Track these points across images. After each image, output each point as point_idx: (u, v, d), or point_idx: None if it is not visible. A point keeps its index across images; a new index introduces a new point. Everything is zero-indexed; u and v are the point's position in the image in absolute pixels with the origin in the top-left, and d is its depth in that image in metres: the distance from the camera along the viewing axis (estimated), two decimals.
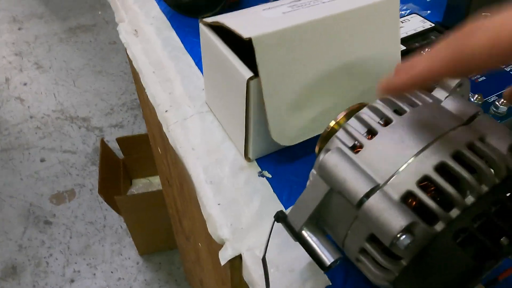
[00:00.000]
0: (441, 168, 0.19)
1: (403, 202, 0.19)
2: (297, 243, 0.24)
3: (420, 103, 0.22)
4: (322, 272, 0.26)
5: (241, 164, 0.32)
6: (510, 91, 0.26)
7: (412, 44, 0.40)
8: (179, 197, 0.51)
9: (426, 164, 0.19)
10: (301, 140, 0.29)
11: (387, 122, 0.21)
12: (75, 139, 1.35)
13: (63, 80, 1.57)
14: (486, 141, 0.20)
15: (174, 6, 0.48)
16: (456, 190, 0.19)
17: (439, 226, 0.19)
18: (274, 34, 0.25)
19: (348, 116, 0.24)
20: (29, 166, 1.26)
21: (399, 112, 0.22)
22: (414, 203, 0.19)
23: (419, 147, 0.20)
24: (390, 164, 0.20)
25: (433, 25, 0.43)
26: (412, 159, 0.19)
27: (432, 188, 0.19)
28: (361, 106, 0.24)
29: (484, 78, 0.36)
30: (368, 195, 0.19)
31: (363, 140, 0.21)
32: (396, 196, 0.19)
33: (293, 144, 0.29)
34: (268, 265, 0.26)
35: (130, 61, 0.46)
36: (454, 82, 0.23)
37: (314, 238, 0.23)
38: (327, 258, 0.22)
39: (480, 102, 0.32)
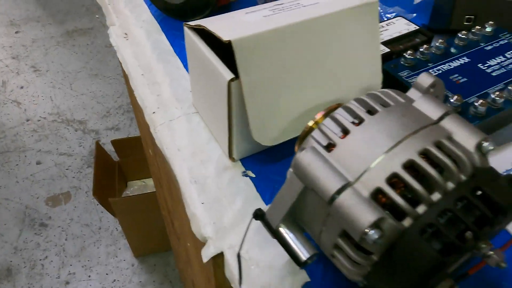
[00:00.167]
0: (410, 166, 0.20)
1: (373, 199, 0.20)
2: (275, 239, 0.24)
3: (392, 103, 0.22)
4: (301, 268, 0.27)
5: (225, 164, 0.33)
6: None
7: (397, 46, 0.41)
8: (169, 198, 0.51)
9: (395, 161, 0.20)
10: (283, 141, 0.30)
11: (360, 121, 0.22)
12: (71, 142, 1.35)
13: (59, 83, 1.58)
14: (454, 139, 0.21)
15: (164, 10, 0.48)
16: (422, 187, 0.19)
17: (406, 222, 0.19)
18: (253, 37, 0.26)
19: (325, 116, 0.24)
20: (25, 168, 1.27)
21: (371, 112, 0.22)
22: (383, 199, 0.20)
23: (389, 145, 0.20)
24: (360, 162, 0.20)
25: (417, 27, 0.44)
26: (382, 157, 0.20)
27: (402, 185, 0.20)
28: (338, 106, 0.24)
29: (466, 79, 0.37)
30: (339, 192, 0.20)
31: (336, 139, 0.22)
32: (366, 193, 0.20)
33: (274, 144, 0.30)
34: (248, 262, 0.27)
35: (121, 64, 0.47)
36: (427, 83, 0.24)
37: (291, 235, 0.24)
38: (303, 254, 0.23)
39: (459, 103, 0.33)
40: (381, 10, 0.49)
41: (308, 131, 0.25)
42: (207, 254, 0.28)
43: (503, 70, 0.38)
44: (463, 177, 0.20)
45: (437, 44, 0.39)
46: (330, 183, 0.20)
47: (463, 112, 0.33)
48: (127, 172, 1.08)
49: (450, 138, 0.21)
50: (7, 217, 1.14)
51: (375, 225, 0.19)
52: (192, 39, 0.30)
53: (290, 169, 0.23)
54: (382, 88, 0.30)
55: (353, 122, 0.22)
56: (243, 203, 0.30)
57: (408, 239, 0.19)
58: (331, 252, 0.22)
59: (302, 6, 0.30)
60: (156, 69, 0.42)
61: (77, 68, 1.64)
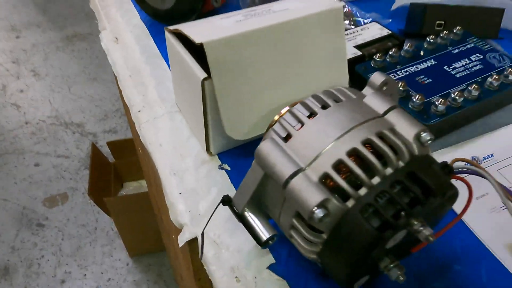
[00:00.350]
0: (354, 153, 0.22)
1: (321, 183, 0.22)
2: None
3: (344, 99, 0.25)
4: (268, 252, 0.29)
5: (203, 158, 0.35)
6: None
7: (369, 50, 0.44)
8: (156, 193, 0.54)
9: (341, 149, 0.22)
10: (254, 135, 0.32)
11: (314, 115, 0.24)
12: (69, 144, 1.38)
13: (58, 87, 1.61)
14: (396, 130, 0.23)
15: (153, 16, 0.51)
16: (363, 172, 0.22)
17: (350, 203, 0.22)
18: (223, 39, 0.29)
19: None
20: (24, 170, 1.29)
21: (325, 106, 0.25)
22: (331, 183, 0.23)
23: (336, 135, 0.23)
24: (312, 150, 0.23)
25: (390, 32, 0.46)
26: (330, 145, 0.23)
27: (347, 171, 0.23)
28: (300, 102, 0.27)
29: (431, 80, 0.39)
30: (292, 177, 0.22)
31: (293, 131, 0.24)
32: (315, 177, 0.22)
33: (245, 138, 0.32)
34: (220, 246, 0.29)
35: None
36: (379, 81, 0.27)
37: (254, 218, 0.26)
38: (264, 234, 0.25)
39: (420, 101, 0.35)
40: (359, 16, 0.52)
41: (272, 125, 0.27)
42: (182, 239, 0.30)
43: (467, 72, 0.40)
44: (401, 164, 0.22)
45: (406, 47, 0.42)
46: (284, 169, 0.23)
47: (426, 110, 0.36)
48: (123, 173, 1.11)
49: (392, 129, 0.23)
50: (5, 218, 1.17)
51: (321, 205, 0.21)
52: (171, 42, 0.33)
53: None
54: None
55: (308, 116, 0.25)
56: (218, 193, 0.32)
57: (350, 218, 0.21)
58: (289, 233, 0.25)
59: (272, 12, 0.32)
60: (143, 71, 0.44)
61: (76, 72, 1.67)
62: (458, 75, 0.40)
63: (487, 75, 0.39)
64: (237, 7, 0.51)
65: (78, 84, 1.61)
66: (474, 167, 0.23)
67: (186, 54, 0.31)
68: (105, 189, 1.00)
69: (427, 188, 0.21)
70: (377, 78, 0.27)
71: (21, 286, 1.02)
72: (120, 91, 0.52)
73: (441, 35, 0.44)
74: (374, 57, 0.41)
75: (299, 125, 0.24)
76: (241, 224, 0.28)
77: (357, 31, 0.46)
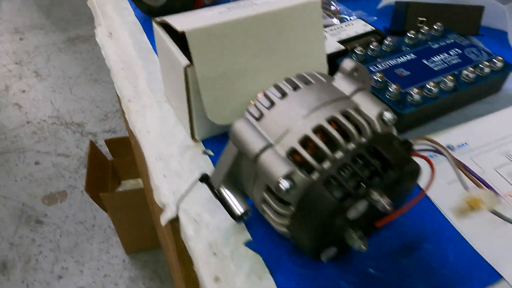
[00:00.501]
0: (320, 130, 0.24)
1: (289, 157, 0.24)
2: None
3: (314, 82, 0.27)
4: (245, 229, 0.30)
5: (188, 144, 0.37)
6: None
7: (352, 45, 0.45)
8: (147, 183, 0.55)
9: (307, 126, 0.24)
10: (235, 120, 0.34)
11: (285, 96, 0.26)
12: (69, 144, 1.40)
13: (60, 87, 1.63)
14: (360, 110, 0.25)
15: (147, 12, 0.53)
16: (327, 147, 0.23)
17: (315, 176, 0.23)
18: (204, 28, 0.30)
19: None
20: (24, 168, 1.31)
21: (296, 88, 0.26)
22: (298, 158, 0.24)
23: (304, 113, 0.24)
24: (281, 128, 0.24)
25: (373, 28, 0.48)
26: (297, 123, 0.24)
27: (313, 146, 0.24)
28: None
29: (409, 73, 0.41)
30: (261, 151, 0.24)
31: (265, 110, 0.26)
32: (283, 152, 0.24)
33: (226, 123, 0.34)
34: (200, 224, 0.31)
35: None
36: (349, 67, 0.28)
37: (230, 194, 0.28)
38: (238, 209, 0.27)
39: (397, 91, 0.37)
40: (346, 14, 0.54)
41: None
42: (164, 218, 0.32)
43: (445, 65, 0.42)
44: (363, 140, 0.24)
45: (387, 42, 0.44)
46: (255, 145, 0.24)
47: (402, 100, 0.37)
48: (120, 171, 1.12)
49: (357, 109, 0.25)
50: (4, 214, 1.18)
51: (287, 176, 0.23)
52: (158, 32, 0.35)
53: None
54: None
55: (280, 97, 0.26)
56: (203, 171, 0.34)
57: (314, 189, 0.23)
58: (262, 208, 0.26)
59: (254, 5, 0.34)
60: (135, 64, 0.46)
61: (77, 73, 1.70)
62: (436, 68, 0.41)
63: (464, 68, 0.40)
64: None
65: (79, 85, 1.64)
66: (432, 143, 0.24)
67: (171, 43, 0.33)
68: (102, 186, 1.01)
69: (386, 161, 0.23)
70: (347, 63, 0.28)
71: (19, 281, 1.04)
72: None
73: (422, 31, 0.46)
74: (355, 50, 0.42)
75: (271, 105, 0.26)
76: (220, 204, 0.29)
77: (341, 27, 0.48)
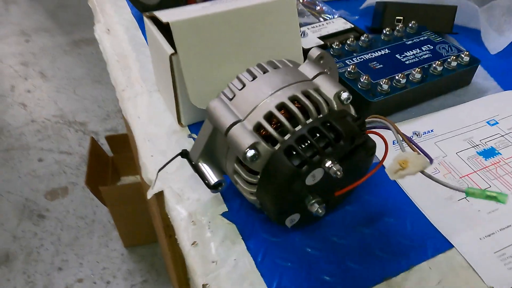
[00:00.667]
0: (283, 107, 0.27)
1: (255, 131, 0.27)
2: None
3: (281, 66, 0.30)
4: (222, 202, 0.33)
5: (175, 128, 0.40)
6: None
7: (331, 40, 0.48)
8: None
9: (272, 104, 0.27)
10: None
11: (255, 78, 0.29)
12: (72, 142, 1.44)
13: (64, 88, 1.67)
14: (320, 90, 0.28)
15: (142, 10, 0.57)
16: (288, 121, 0.26)
17: (277, 147, 0.26)
18: (187, 20, 0.34)
19: None
20: (28, 165, 1.35)
21: (265, 72, 0.30)
22: (263, 132, 0.27)
23: (269, 93, 0.27)
24: (249, 105, 0.28)
25: (352, 26, 0.51)
26: (263, 101, 0.27)
27: (277, 121, 0.27)
28: None
29: (382, 66, 0.44)
30: (231, 126, 0.27)
31: (236, 91, 0.29)
32: (250, 126, 0.27)
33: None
34: (182, 197, 0.34)
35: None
36: (315, 55, 0.31)
37: (206, 167, 0.31)
38: (212, 179, 0.30)
39: (367, 81, 0.40)
40: (329, 13, 0.57)
41: None
42: (151, 192, 0.35)
43: (416, 59, 0.45)
44: (320, 116, 0.27)
45: (363, 38, 0.47)
46: (226, 120, 0.27)
47: (372, 90, 0.40)
48: (120, 167, 1.16)
49: (317, 89, 0.28)
50: (8, 208, 1.22)
51: (252, 146, 0.26)
52: (148, 25, 0.38)
53: None
54: None
55: (251, 80, 0.30)
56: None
57: (276, 158, 0.26)
58: (234, 179, 0.29)
59: (235, 0, 0.37)
60: (129, 57, 0.50)
61: (81, 74, 1.74)
62: (407, 62, 0.44)
63: (433, 62, 0.44)
64: None
65: (82, 86, 1.68)
66: (382, 120, 0.27)
67: (158, 35, 0.36)
68: (102, 181, 1.05)
69: (339, 134, 0.26)
70: (313, 52, 0.31)
71: (20, 272, 1.07)
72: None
73: (398, 28, 0.49)
74: (332, 45, 0.45)
75: (243, 86, 0.29)
76: (201, 181, 0.32)
77: (322, 24, 0.51)
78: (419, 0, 0.54)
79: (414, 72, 0.42)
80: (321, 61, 0.32)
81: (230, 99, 0.29)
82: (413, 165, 0.23)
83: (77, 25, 2.05)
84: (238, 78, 0.30)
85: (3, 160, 1.37)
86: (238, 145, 0.26)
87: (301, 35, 0.50)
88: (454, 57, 0.43)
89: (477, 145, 0.39)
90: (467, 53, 0.44)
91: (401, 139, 0.26)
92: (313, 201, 0.27)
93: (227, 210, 0.33)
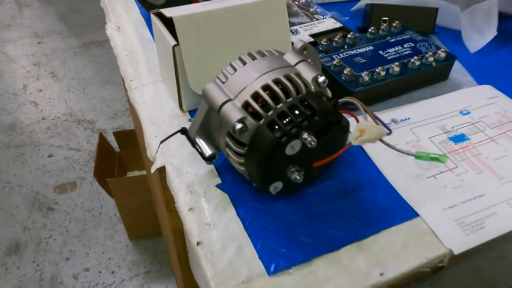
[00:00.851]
0: (268, 88, 0.32)
1: (244, 108, 0.31)
2: (203, 160, 0.36)
3: (268, 55, 0.34)
4: (217, 176, 0.38)
5: (177, 114, 0.45)
6: None
7: (321, 38, 0.53)
8: (147, 160, 0.63)
9: (258, 85, 0.31)
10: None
11: (245, 64, 0.34)
12: (80, 139, 1.49)
13: (74, 88, 1.73)
14: (300, 75, 0.32)
15: (150, 9, 0.61)
16: (271, 100, 0.31)
17: (262, 121, 0.31)
18: (188, 15, 0.38)
19: None
20: (38, 160, 1.41)
21: (254, 59, 0.34)
22: (251, 110, 0.32)
23: (256, 76, 0.32)
24: (238, 86, 0.32)
25: (341, 25, 0.56)
26: (251, 82, 0.32)
27: (262, 100, 0.32)
28: None
29: (365, 60, 0.48)
30: (223, 104, 0.32)
31: (228, 75, 0.34)
32: (239, 104, 0.31)
33: None
34: (182, 171, 0.39)
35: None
36: (299, 46, 0.36)
37: (202, 142, 0.35)
38: (207, 152, 0.35)
39: (350, 73, 0.45)
40: (321, 15, 0.62)
41: None
42: (154, 166, 0.40)
43: (397, 55, 0.49)
44: (299, 95, 0.31)
45: (349, 36, 0.51)
46: (218, 99, 0.32)
47: (354, 81, 0.45)
48: (127, 162, 1.21)
49: (297, 74, 0.32)
50: (19, 201, 1.27)
51: (240, 121, 0.30)
52: (155, 21, 0.43)
53: None
54: None
55: (241, 66, 0.34)
56: (185, 138, 0.42)
57: (260, 131, 0.30)
58: (226, 152, 0.34)
59: (232, 0, 0.42)
60: (137, 52, 0.54)
61: (90, 75, 1.80)
62: (389, 58, 0.49)
63: (412, 57, 0.48)
64: None
65: (92, 86, 1.74)
66: (351, 100, 0.32)
67: (163, 29, 0.41)
68: (109, 175, 1.09)
69: (314, 111, 0.30)
70: (298, 43, 0.36)
71: (30, 261, 1.12)
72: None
73: (382, 27, 0.53)
74: (321, 42, 0.50)
75: (234, 71, 0.34)
76: (198, 158, 0.37)
77: (314, 23, 0.56)
78: (405, 2, 0.59)
79: (393, 66, 0.46)
80: (305, 52, 0.36)
81: (223, 82, 0.34)
82: (371, 133, 0.27)
83: (87, 28, 2.12)
84: (230, 64, 0.34)
85: (15, 156, 1.43)
86: (229, 120, 0.31)
87: (294, 33, 0.54)
88: (431, 53, 0.48)
89: (449, 131, 0.43)
90: (444, 49, 0.48)
91: (365, 111, 0.30)
92: (293, 169, 0.32)
93: (220, 182, 0.37)
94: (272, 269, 0.31)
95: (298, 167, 0.32)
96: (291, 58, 0.34)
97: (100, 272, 1.10)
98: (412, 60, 0.47)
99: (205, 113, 0.34)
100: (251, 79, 0.32)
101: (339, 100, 0.32)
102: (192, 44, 0.39)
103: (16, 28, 2.11)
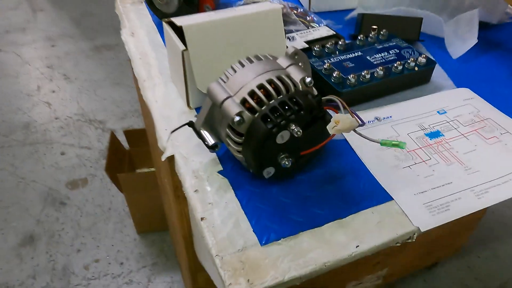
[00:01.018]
0: (262, 87, 0.37)
1: (242, 104, 0.37)
2: (207, 149, 0.41)
3: (263, 59, 0.40)
4: (219, 163, 0.44)
5: (184, 110, 0.50)
6: None
7: (315, 44, 0.59)
8: (157, 157, 0.69)
9: (253, 84, 0.37)
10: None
11: (243, 66, 0.40)
12: (91, 138, 1.56)
13: (86, 89, 1.81)
14: (290, 76, 0.38)
15: (161, 17, 0.68)
16: (265, 97, 0.36)
17: (256, 115, 0.36)
18: (196, 24, 0.44)
19: None
20: (51, 157, 1.48)
21: (251, 62, 0.40)
22: (248, 105, 0.37)
23: (253, 76, 0.38)
24: (237, 85, 0.38)
25: (334, 33, 0.61)
26: (248, 82, 0.38)
27: (258, 97, 0.37)
28: None
29: (353, 65, 0.54)
30: (224, 100, 0.37)
31: (229, 76, 0.39)
32: (238, 100, 0.37)
33: None
34: (188, 159, 0.44)
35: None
36: (291, 51, 0.42)
37: (207, 133, 0.41)
38: (210, 141, 0.40)
39: (338, 76, 0.50)
40: (317, 24, 0.67)
41: None
42: (164, 155, 0.45)
43: (383, 60, 0.55)
44: (289, 94, 0.37)
45: (340, 43, 0.57)
46: (220, 96, 0.38)
47: (342, 83, 0.50)
48: (136, 160, 1.27)
49: (288, 75, 0.38)
50: (33, 196, 1.34)
51: (239, 114, 0.36)
52: (166, 29, 0.49)
53: None
54: None
55: (240, 68, 0.40)
56: (192, 131, 0.47)
57: (255, 122, 0.36)
58: (227, 141, 0.40)
59: (234, 10, 0.48)
60: (149, 55, 0.61)
61: (101, 77, 1.87)
62: (375, 62, 0.54)
63: (396, 62, 0.53)
64: None
65: (103, 88, 1.81)
66: (332, 97, 0.37)
67: (174, 36, 0.47)
68: (119, 171, 1.16)
69: (301, 106, 0.36)
70: (290, 49, 0.42)
71: (43, 252, 1.18)
72: (135, 78, 0.69)
73: (370, 35, 0.59)
74: (315, 48, 0.56)
75: (234, 72, 0.40)
76: (204, 147, 0.43)
77: (309, 31, 0.61)
78: (394, 12, 0.64)
79: (378, 70, 0.51)
80: (296, 56, 0.42)
81: (225, 82, 0.39)
82: (344, 123, 0.33)
83: (99, 32, 2.19)
84: (231, 66, 0.40)
85: (29, 153, 1.50)
86: (229, 113, 0.37)
87: (291, 39, 0.60)
88: (413, 59, 0.53)
89: (426, 129, 0.49)
90: (424, 56, 0.54)
91: (343, 107, 0.36)
92: (282, 156, 0.37)
93: (222, 169, 0.43)
94: (264, 241, 0.37)
95: (287, 154, 0.38)
96: (283, 61, 0.40)
97: (109, 263, 1.16)
98: (395, 65, 0.52)
99: (209, 108, 0.40)
100: (248, 79, 0.38)
101: (322, 98, 0.38)
102: (199, 49, 0.45)
103: (31, 31, 2.20)
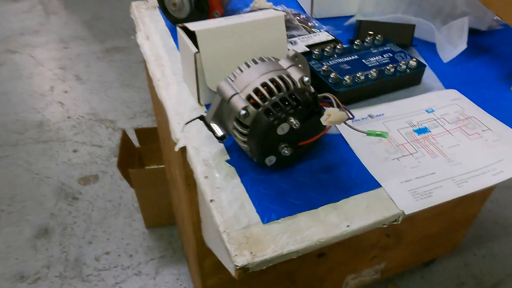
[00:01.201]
0: (265, 85, 0.42)
1: (247, 100, 0.42)
2: (216, 140, 0.47)
3: (266, 60, 0.45)
4: (226, 153, 0.49)
5: (196, 106, 0.56)
6: None
7: (315, 48, 0.64)
8: (169, 151, 0.74)
9: (258, 82, 0.42)
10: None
11: (249, 67, 0.45)
12: (102, 136, 1.62)
13: (97, 90, 1.87)
14: (291, 76, 0.43)
15: (174, 22, 0.73)
16: (268, 93, 0.42)
17: (260, 109, 0.42)
18: (207, 29, 0.50)
19: None
20: (64, 155, 1.54)
21: (256, 63, 0.45)
22: (252, 101, 0.43)
23: (257, 76, 0.43)
24: (244, 83, 0.43)
25: (333, 38, 0.67)
26: (253, 81, 0.43)
27: (261, 94, 0.42)
28: None
29: (350, 67, 0.59)
30: (232, 96, 0.43)
31: (237, 75, 0.45)
32: (244, 96, 0.42)
33: None
34: (199, 150, 0.50)
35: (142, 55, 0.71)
36: (291, 54, 0.47)
37: (216, 126, 0.46)
38: (219, 132, 0.46)
39: (335, 77, 0.55)
40: (318, 29, 0.72)
41: None
42: (177, 146, 0.51)
43: (377, 63, 0.60)
44: (288, 91, 0.42)
45: (338, 47, 0.62)
46: (229, 93, 0.43)
47: (339, 83, 0.55)
48: (145, 157, 1.32)
49: (288, 75, 0.43)
50: (47, 191, 1.40)
51: (244, 108, 0.41)
52: (180, 33, 0.54)
53: None
54: None
55: (246, 68, 0.45)
56: (202, 125, 0.53)
57: (259, 116, 0.41)
58: (234, 133, 0.45)
59: (241, 17, 0.53)
60: (163, 57, 0.66)
61: (112, 78, 1.94)
62: (369, 65, 0.59)
63: (388, 65, 0.58)
64: None
65: (113, 89, 1.88)
66: (326, 94, 0.42)
67: (187, 39, 0.52)
68: (130, 167, 1.21)
69: (299, 102, 0.41)
70: (290, 52, 0.47)
71: (57, 243, 1.24)
72: (149, 79, 0.74)
73: (367, 40, 0.64)
74: (314, 51, 0.61)
75: (241, 72, 0.45)
76: (214, 139, 0.48)
77: (310, 36, 0.67)
78: (390, 19, 0.69)
79: (372, 72, 0.56)
80: (296, 59, 0.47)
81: (233, 81, 0.45)
82: (335, 116, 0.38)
83: (110, 34, 2.26)
84: (238, 67, 0.45)
85: (43, 150, 1.56)
86: (236, 108, 0.42)
87: (293, 43, 0.65)
88: (404, 62, 0.58)
89: (414, 125, 0.54)
90: (415, 59, 0.59)
91: (336, 103, 0.41)
92: (283, 146, 0.43)
93: (229, 158, 0.48)
94: (265, 220, 0.42)
95: (287, 144, 0.43)
96: (284, 63, 0.45)
97: (119, 255, 1.22)
98: (388, 67, 0.57)
99: (218, 104, 0.45)
100: (253, 78, 0.43)
101: (318, 95, 0.43)
102: (209, 52, 0.50)
103: (44, 33, 2.27)
